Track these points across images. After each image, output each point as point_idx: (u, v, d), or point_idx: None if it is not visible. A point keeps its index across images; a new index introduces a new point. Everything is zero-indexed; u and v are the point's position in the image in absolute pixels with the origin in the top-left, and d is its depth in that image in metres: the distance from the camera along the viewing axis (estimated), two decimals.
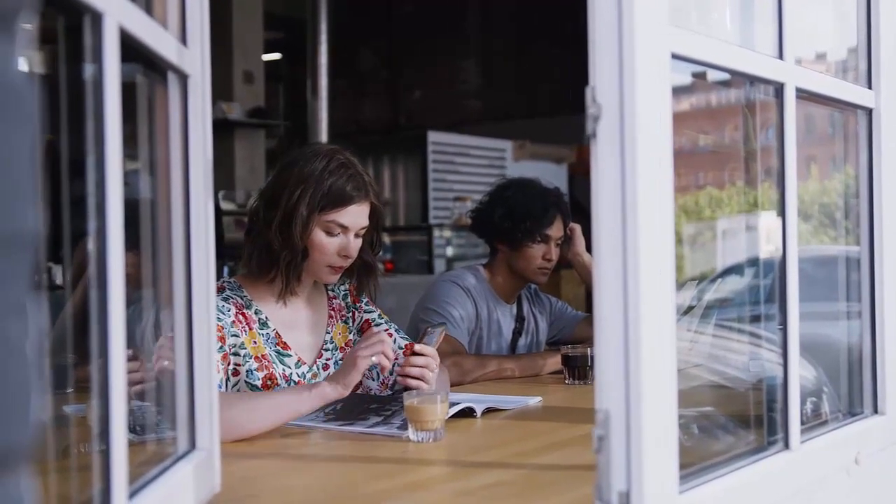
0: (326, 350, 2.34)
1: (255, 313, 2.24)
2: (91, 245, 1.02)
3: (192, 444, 1.37)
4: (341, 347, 2.36)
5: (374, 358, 1.99)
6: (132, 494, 1.09)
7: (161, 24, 1.26)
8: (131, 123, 1.23)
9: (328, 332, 2.36)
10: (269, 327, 2.24)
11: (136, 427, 1.37)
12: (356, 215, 2.23)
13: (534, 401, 2.36)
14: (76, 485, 1.17)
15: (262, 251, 2.22)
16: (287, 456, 1.84)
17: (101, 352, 1.01)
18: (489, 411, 2.19)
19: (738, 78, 1.61)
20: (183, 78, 1.35)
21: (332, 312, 2.39)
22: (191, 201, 1.37)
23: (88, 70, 1.02)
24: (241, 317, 2.18)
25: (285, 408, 1.96)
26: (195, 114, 1.37)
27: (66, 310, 1.83)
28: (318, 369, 2.30)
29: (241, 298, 2.22)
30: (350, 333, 2.40)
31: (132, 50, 1.12)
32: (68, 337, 1.39)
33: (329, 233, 2.21)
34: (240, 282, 2.26)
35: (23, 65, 0.59)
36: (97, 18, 0.99)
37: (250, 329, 2.20)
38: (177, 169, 1.36)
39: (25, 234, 0.58)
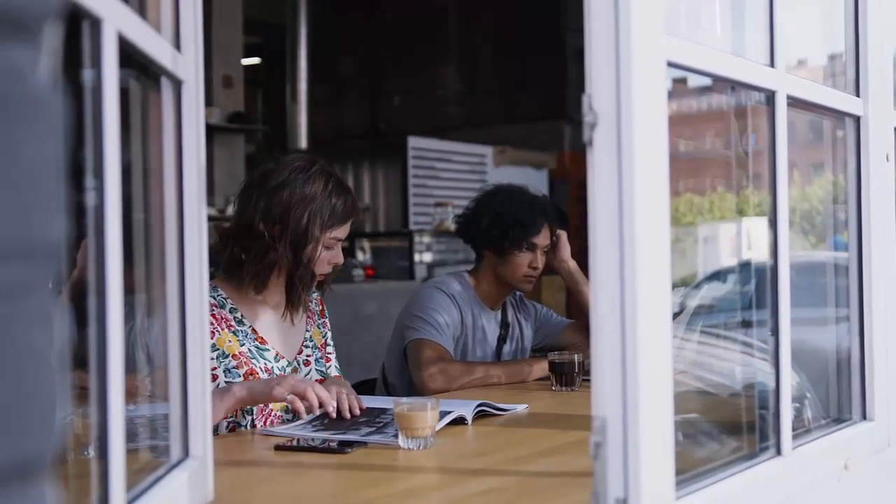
0: (307, 347, 2.43)
1: (230, 312, 2.29)
2: (89, 251, 1.02)
3: (186, 453, 1.36)
4: (320, 346, 2.46)
5: (289, 397, 2.03)
6: (129, 503, 1.08)
7: (155, 29, 1.26)
8: (124, 128, 1.23)
9: (308, 331, 2.45)
10: (245, 325, 2.30)
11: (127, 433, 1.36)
12: (349, 227, 2.37)
13: (521, 408, 2.36)
14: (72, 493, 1.16)
15: (268, 268, 2.27)
16: (279, 464, 1.83)
17: (99, 360, 1.00)
18: (481, 415, 2.20)
19: (719, 84, 1.62)
20: (177, 84, 1.34)
21: (310, 313, 2.48)
22: (184, 207, 1.36)
23: (87, 75, 1.01)
24: (211, 318, 2.20)
25: None
26: (189, 119, 1.37)
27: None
28: (298, 364, 2.38)
29: (215, 298, 2.24)
30: (322, 338, 2.50)
31: (128, 55, 1.11)
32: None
33: (328, 248, 2.32)
34: (217, 284, 2.29)
35: (48, 73, 0.58)
36: (96, 24, 0.99)
37: (222, 329, 2.25)
38: (170, 174, 1.35)
39: (50, 244, 0.57)
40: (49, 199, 0.57)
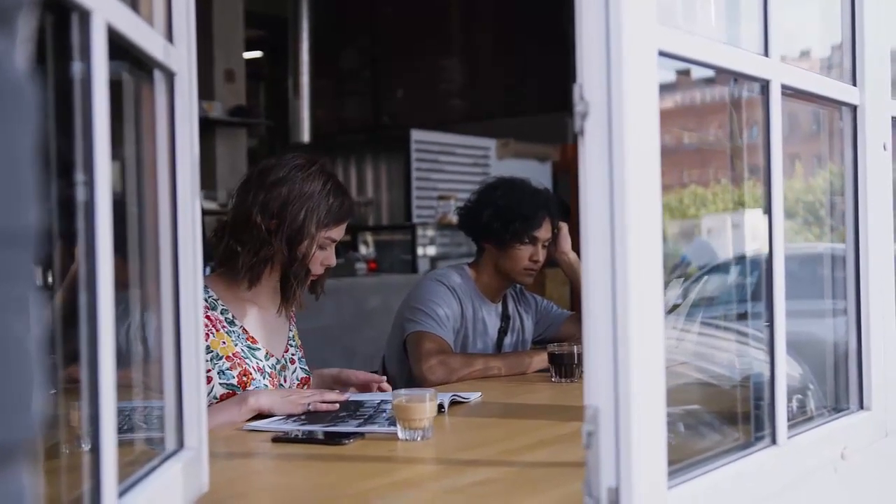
0: (291, 346, 2.47)
1: (221, 313, 2.32)
2: (78, 246, 1.02)
3: (181, 444, 1.37)
4: (300, 346, 2.52)
5: (310, 407, 2.15)
6: (121, 493, 1.09)
7: (147, 21, 1.26)
8: (116, 122, 1.23)
9: (291, 331, 2.49)
10: (236, 325, 2.32)
11: (122, 426, 1.36)
12: (344, 230, 2.40)
13: (475, 396, 2.39)
14: (64, 485, 1.17)
15: (262, 262, 2.30)
16: (275, 456, 1.83)
17: (91, 352, 1.00)
18: (453, 404, 2.25)
19: (723, 75, 1.62)
20: (169, 76, 1.34)
21: (292, 314, 2.52)
22: (178, 201, 1.36)
23: (76, 68, 1.01)
24: (205, 319, 2.22)
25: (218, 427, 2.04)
26: (182, 112, 1.37)
27: (49, 310, 1.83)
28: (286, 362, 2.43)
29: (206, 300, 2.26)
30: (299, 338, 2.55)
31: (118, 48, 1.11)
32: (53, 337, 1.39)
33: (321, 247, 2.34)
34: (206, 283, 2.30)
35: (23, 62, 0.59)
36: (85, 16, 0.99)
37: (217, 330, 2.28)
38: (163, 168, 1.36)
39: (27, 230, 0.58)
40: (25, 188, 0.57)
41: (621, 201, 1.17)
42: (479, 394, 2.42)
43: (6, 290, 0.56)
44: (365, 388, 2.44)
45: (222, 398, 2.21)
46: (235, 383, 2.24)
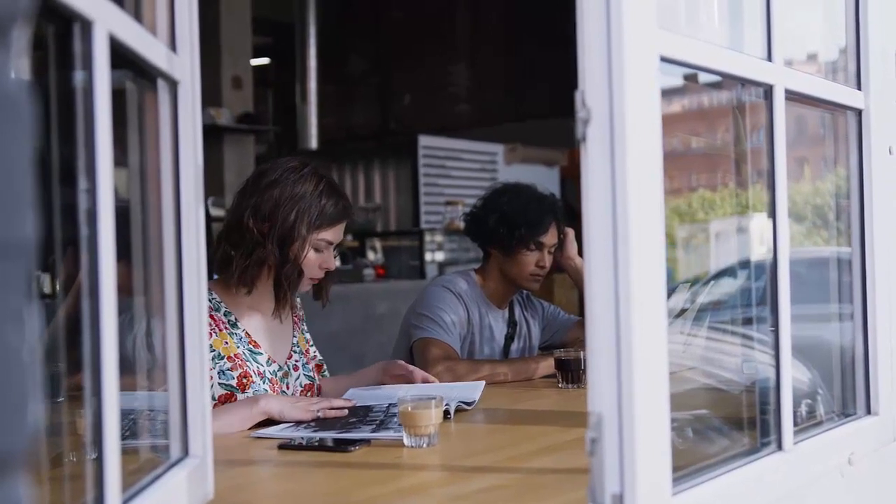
0: (295, 352, 2.47)
1: (225, 315, 2.33)
2: (82, 253, 1.02)
3: (185, 451, 1.37)
4: (304, 352, 2.51)
5: (319, 414, 2.14)
6: (125, 501, 1.09)
7: (150, 30, 1.26)
8: (120, 130, 1.23)
9: (294, 337, 2.49)
10: (239, 328, 2.33)
11: (126, 433, 1.37)
12: (341, 232, 2.39)
13: (479, 386, 2.42)
14: (69, 493, 1.17)
15: (255, 265, 2.30)
16: (280, 463, 1.83)
17: (94, 360, 1.01)
18: (458, 410, 2.24)
19: (729, 80, 1.61)
20: (173, 85, 1.35)
21: (296, 319, 2.53)
22: (181, 208, 1.37)
23: (78, 77, 1.02)
24: (209, 319, 2.23)
25: (226, 427, 2.04)
26: (185, 120, 1.37)
27: (56, 318, 1.83)
28: (288, 368, 2.42)
29: (210, 301, 2.27)
30: (307, 343, 2.55)
31: (121, 57, 1.12)
32: (60, 346, 1.39)
33: (317, 249, 2.34)
34: (211, 287, 2.31)
35: (18, 72, 0.59)
36: (87, 26, 0.99)
37: (220, 331, 2.29)
38: (167, 176, 1.36)
39: (23, 241, 0.58)
40: (21, 198, 0.58)
41: (623, 207, 1.17)
42: (483, 382, 2.45)
43: (2, 300, 0.56)
44: (407, 379, 2.48)
45: (221, 399, 2.22)
46: (235, 384, 2.25)
